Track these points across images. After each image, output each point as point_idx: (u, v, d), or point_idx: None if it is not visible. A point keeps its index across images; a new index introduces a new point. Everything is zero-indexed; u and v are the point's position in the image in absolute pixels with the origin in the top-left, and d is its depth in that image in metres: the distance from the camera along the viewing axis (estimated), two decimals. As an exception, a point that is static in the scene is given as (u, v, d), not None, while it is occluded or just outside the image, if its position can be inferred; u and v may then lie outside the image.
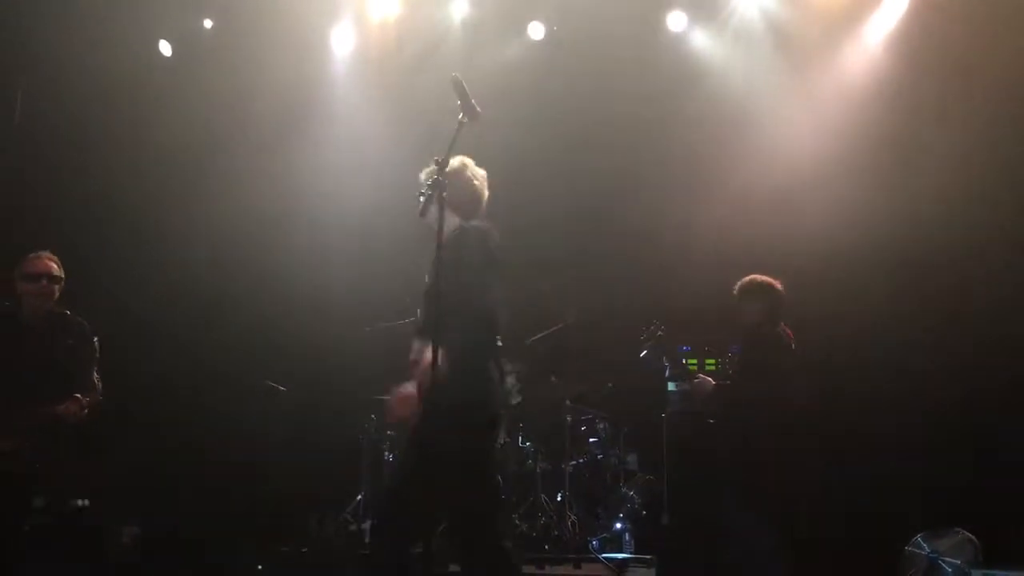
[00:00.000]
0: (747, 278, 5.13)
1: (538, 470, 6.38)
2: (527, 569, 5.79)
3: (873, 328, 6.57)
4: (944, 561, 5.67)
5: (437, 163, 3.55)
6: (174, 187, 7.15)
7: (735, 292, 5.14)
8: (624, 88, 7.10)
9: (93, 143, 7.03)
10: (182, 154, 7.19)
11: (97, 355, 4.67)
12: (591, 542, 6.05)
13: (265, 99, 7.19)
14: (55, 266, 4.67)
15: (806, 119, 6.94)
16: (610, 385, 6.84)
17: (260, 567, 5.63)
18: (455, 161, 3.81)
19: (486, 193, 3.93)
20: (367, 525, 6.17)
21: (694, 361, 6.67)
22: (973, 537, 5.70)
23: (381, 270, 6.84)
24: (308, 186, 7.26)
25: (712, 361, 6.65)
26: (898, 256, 6.57)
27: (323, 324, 7.04)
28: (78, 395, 4.44)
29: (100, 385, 4.63)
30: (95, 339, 4.68)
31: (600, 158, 7.21)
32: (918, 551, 5.79)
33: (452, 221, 3.63)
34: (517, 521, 6.18)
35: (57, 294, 4.65)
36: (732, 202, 6.92)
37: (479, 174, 3.94)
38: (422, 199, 3.56)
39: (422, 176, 3.79)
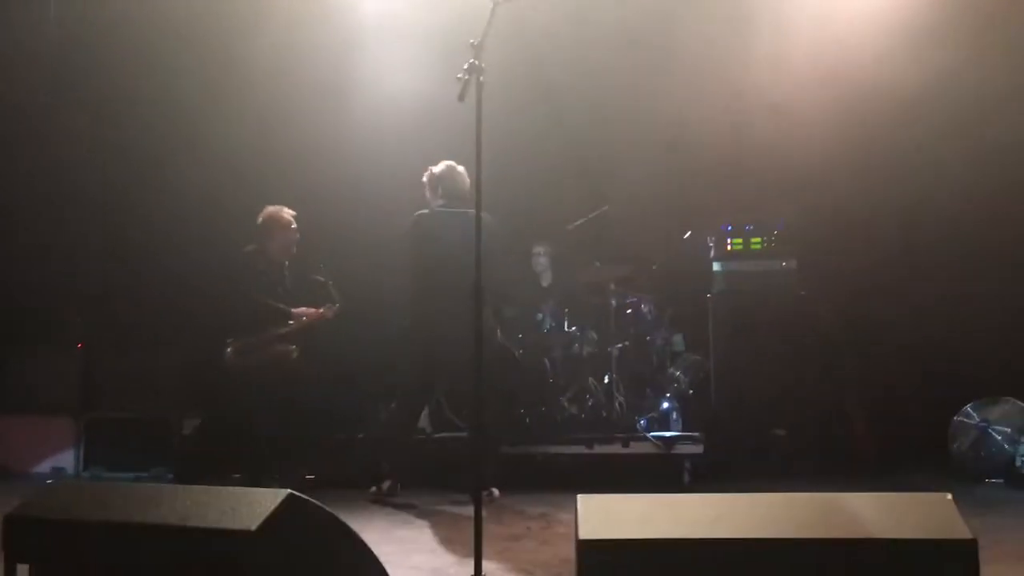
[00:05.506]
0: None
1: (584, 354, 6.45)
2: (577, 449, 5.96)
3: (928, 190, 6.39)
4: (994, 430, 5.68)
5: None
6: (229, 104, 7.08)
7: None
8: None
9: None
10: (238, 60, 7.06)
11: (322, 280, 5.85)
12: (639, 422, 6.15)
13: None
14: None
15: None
16: (654, 267, 6.81)
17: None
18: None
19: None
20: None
21: (739, 240, 6.58)
22: (1024, 405, 5.69)
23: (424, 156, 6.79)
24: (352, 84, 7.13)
25: (757, 240, 6.55)
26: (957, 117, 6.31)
27: (372, 224, 6.98)
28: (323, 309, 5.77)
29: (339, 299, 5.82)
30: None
31: (637, 36, 6.92)
32: (968, 420, 5.80)
33: None
34: (565, 404, 6.28)
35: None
36: (775, 81, 6.65)
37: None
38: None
39: None
